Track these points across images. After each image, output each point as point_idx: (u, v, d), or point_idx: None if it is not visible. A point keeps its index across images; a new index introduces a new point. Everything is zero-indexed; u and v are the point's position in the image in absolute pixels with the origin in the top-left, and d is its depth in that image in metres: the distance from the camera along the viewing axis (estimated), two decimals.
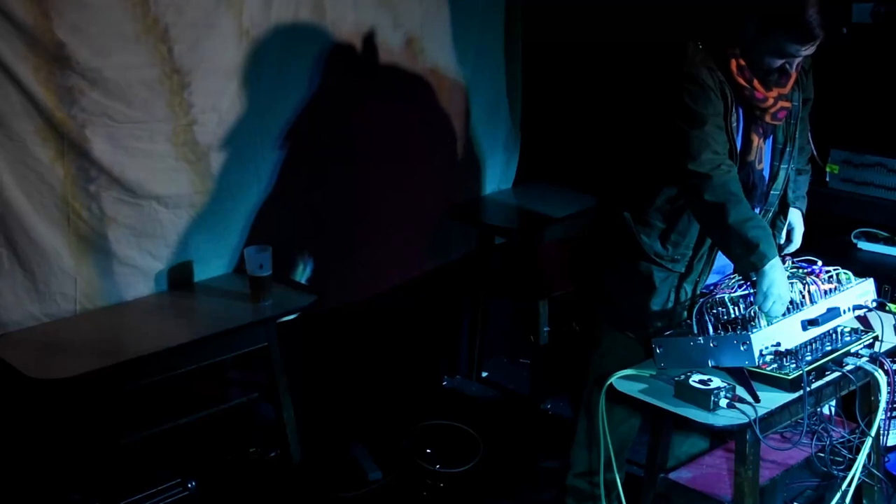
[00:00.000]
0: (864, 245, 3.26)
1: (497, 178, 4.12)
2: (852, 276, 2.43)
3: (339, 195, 3.50)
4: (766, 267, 2.25)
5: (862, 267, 2.99)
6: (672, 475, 2.55)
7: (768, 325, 2.23)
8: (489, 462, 3.47)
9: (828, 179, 3.35)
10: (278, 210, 3.33)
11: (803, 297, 2.31)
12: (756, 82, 2.39)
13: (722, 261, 2.50)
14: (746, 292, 2.29)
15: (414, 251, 3.83)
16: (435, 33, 3.66)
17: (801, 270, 2.39)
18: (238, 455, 3.23)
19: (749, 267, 2.28)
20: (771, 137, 2.53)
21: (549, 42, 3.94)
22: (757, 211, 2.53)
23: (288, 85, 3.25)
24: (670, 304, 2.52)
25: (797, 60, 2.38)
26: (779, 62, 2.37)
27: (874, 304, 2.42)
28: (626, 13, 3.67)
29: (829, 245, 3.29)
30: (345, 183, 3.50)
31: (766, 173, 2.55)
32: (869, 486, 2.62)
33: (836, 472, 2.42)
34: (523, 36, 4.03)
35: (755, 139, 2.48)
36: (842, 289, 2.38)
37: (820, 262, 2.42)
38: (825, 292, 2.35)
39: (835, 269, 2.42)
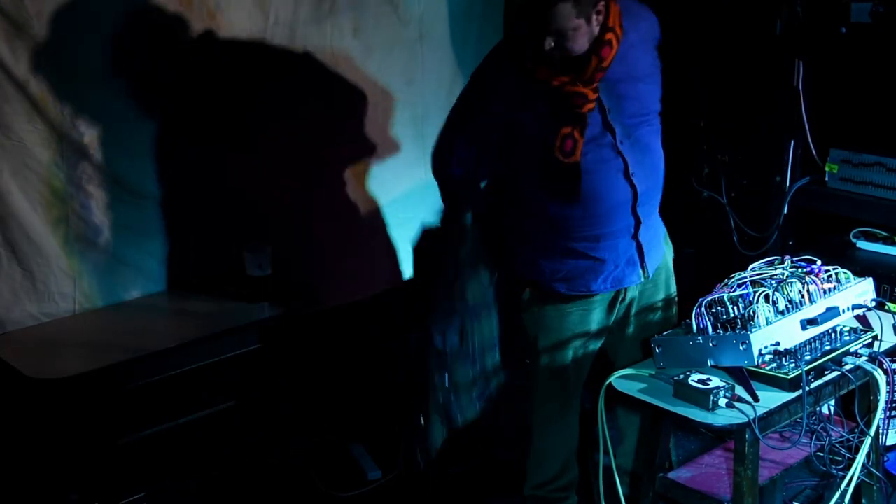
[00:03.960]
0: (863, 244, 3.26)
1: None
2: (851, 276, 2.43)
3: (337, 194, 3.50)
4: None
5: (861, 266, 2.99)
6: (671, 475, 2.55)
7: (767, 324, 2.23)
8: (489, 462, 3.47)
9: (827, 179, 3.35)
10: (276, 209, 3.33)
11: (802, 296, 2.31)
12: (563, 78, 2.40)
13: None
14: (745, 291, 2.29)
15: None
16: (434, 32, 3.66)
17: (800, 270, 2.39)
18: (238, 455, 3.23)
19: None
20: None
21: None
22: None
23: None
24: None
25: (568, 34, 2.32)
26: (550, 41, 2.33)
27: (873, 304, 2.41)
28: None
29: (828, 244, 3.29)
30: (343, 182, 3.50)
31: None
32: (868, 485, 2.62)
33: (835, 472, 2.42)
34: None
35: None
36: (841, 288, 2.38)
37: (819, 262, 2.41)
38: (824, 292, 2.34)
39: (834, 269, 2.41)
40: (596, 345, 2.74)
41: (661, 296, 2.76)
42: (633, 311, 2.73)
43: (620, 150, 2.50)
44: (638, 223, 2.58)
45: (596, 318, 2.69)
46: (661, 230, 2.76)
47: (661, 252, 2.73)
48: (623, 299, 2.70)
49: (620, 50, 2.43)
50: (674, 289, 2.80)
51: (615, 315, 2.72)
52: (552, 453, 2.87)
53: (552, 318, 2.68)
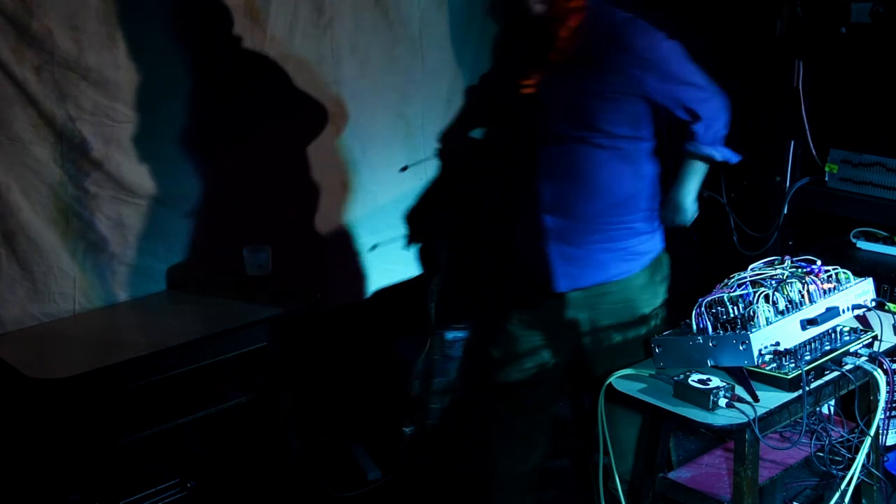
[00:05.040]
0: (863, 244, 3.26)
1: None
2: (851, 276, 2.42)
3: (337, 195, 3.50)
4: None
5: (861, 266, 3.00)
6: (671, 475, 2.55)
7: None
8: (488, 462, 3.46)
9: (827, 179, 3.35)
10: (276, 209, 3.33)
11: (802, 296, 2.31)
12: None
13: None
14: (745, 291, 2.29)
15: (412, 251, 3.83)
16: (435, 33, 3.67)
17: (800, 270, 2.39)
18: (238, 455, 3.23)
19: None
20: None
21: None
22: None
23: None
24: None
25: None
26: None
27: (873, 304, 2.41)
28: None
29: (828, 244, 3.30)
30: (343, 183, 3.50)
31: None
32: (868, 485, 2.61)
33: (835, 472, 2.42)
34: None
35: None
36: (841, 288, 2.37)
37: (819, 262, 2.41)
38: (824, 292, 2.34)
39: (834, 269, 2.41)
40: (547, 365, 2.75)
41: (616, 322, 2.65)
42: (587, 337, 2.69)
43: (538, 149, 2.52)
44: (542, 231, 2.54)
45: (539, 332, 2.71)
46: (603, 265, 2.58)
47: (598, 280, 2.59)
48: (561, 316, 2.65)
49: (574, 55, 2.42)
50: (640, 329, 2.65)
51: (564, 332, 2.69)
52: (510, 469, 2.90)
53: (505, 328, 2.74)
